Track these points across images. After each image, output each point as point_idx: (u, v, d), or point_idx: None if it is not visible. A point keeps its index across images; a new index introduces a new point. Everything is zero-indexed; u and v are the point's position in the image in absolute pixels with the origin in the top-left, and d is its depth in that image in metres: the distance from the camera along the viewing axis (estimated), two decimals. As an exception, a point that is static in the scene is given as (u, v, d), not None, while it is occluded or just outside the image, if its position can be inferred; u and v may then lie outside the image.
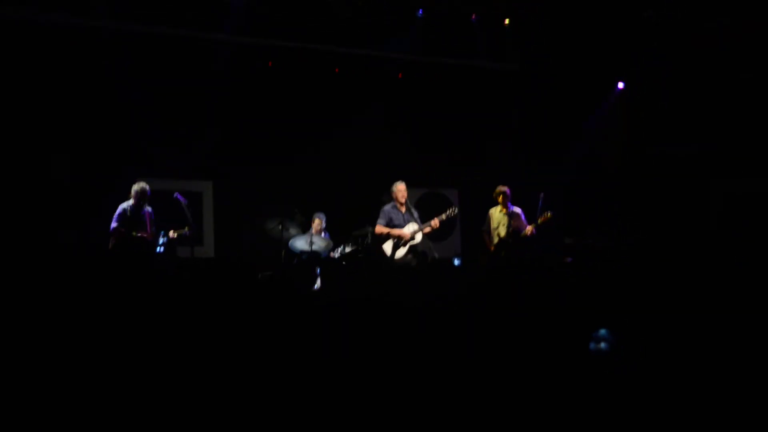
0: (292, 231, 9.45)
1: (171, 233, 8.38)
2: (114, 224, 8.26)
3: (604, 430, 2.89)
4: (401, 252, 8.72)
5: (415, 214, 8.81)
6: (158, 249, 8.23)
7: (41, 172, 9.13)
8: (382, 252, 8.73)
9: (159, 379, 2.89)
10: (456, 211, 9.00)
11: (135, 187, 8.39)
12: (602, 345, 3.11)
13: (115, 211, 8.32)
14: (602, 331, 3.14)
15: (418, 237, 8.69)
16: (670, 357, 3.19)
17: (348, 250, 9.11)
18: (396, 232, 8.72)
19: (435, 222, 8.68)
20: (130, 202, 8.38)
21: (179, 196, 8.52)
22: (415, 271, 6.92)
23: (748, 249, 9.88)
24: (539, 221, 9.00)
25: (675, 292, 3.83)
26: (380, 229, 8.76)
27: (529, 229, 9.07)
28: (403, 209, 8.81)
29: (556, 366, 3.12)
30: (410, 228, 8.72)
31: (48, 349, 2.86)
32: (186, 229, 8.43)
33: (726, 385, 3.05)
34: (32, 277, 3.52)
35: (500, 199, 9.32)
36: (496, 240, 9.30)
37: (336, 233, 9.86)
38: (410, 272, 6.96)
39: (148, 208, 8.48)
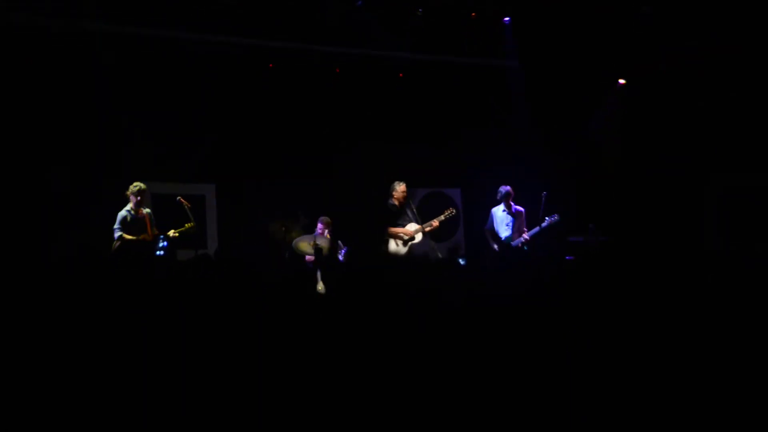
0: (296, 233, 9.41)
1: (171, 233, 8.35)
2: (117, 233, 8.26)
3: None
4: (401, 250, 8.77)
5: (415, 214, 8.87)
6: (158, 252, 8.20)
7: (38, 178, 9.05)
8: (388, 250, 8.78)
9: (161, 382, 2.87)
10: (454, 212, 9.06)
11: (132, 188, 8.35)
12: None
13: (115, 219, 8.32)
14: None
15: (419, 236, 8.77)
16: (665, 357, 3.17)
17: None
18: (400, 230, 8.79)
19: (435, 222, 8.78)
20: (128, 206, 8.35)
21: (182, 201, 8.53)
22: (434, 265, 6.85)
23: (742, 247, 9.82)
24: (543, 226, 8.99)
25: (669, 290, 3.80)
26: (390, 229, 8.79)
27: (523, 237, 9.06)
28: (403, 208, 8.89)
29: (555, 366, 3.10)
30: (411, 227, 8.80)
31: (46, 357, 2.84)
32: (187, 226, 8.40)
33: (727, 384, 3.03)
34: (29, 284, 3.49)
35: (503, 198, 9.31)
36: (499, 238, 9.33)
37: (339, 234, 9.82)
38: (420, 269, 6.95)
39: (147, 210, 8.45)
